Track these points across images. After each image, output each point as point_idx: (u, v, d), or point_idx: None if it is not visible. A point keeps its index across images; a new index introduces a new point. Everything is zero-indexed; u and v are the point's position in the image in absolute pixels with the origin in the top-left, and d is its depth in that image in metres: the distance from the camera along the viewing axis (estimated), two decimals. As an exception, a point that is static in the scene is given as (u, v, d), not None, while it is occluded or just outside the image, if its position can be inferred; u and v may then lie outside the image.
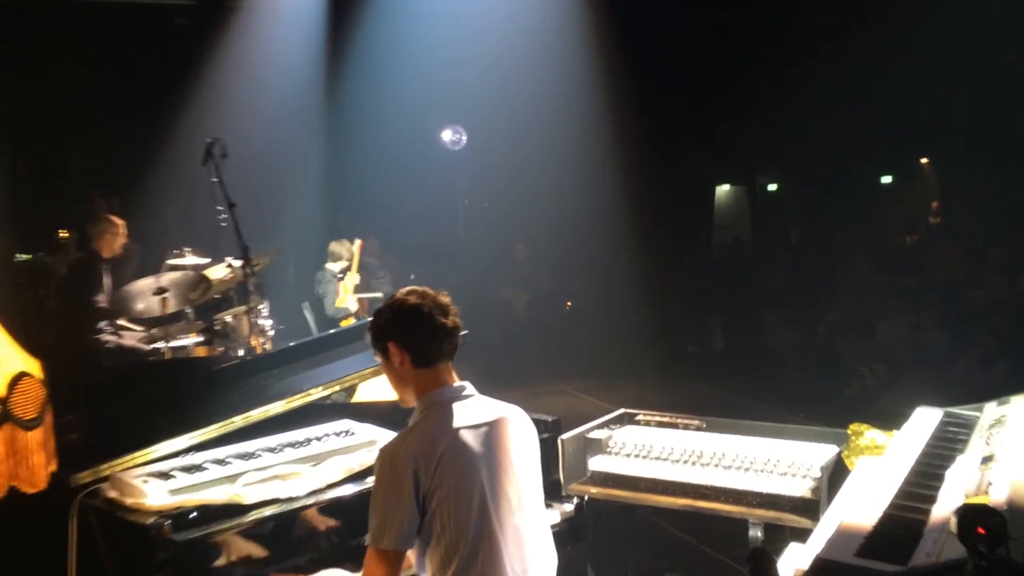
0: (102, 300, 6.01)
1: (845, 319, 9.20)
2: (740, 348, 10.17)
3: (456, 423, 2.46)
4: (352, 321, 7.60)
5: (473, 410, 2.52)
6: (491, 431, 2.50)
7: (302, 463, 3.04)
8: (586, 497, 3.44)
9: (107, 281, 6.15)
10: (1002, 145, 9.81)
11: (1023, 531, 1.75)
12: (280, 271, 9.11)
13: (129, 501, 2.74)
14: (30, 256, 7.54)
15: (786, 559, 2.25)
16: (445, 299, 2.56)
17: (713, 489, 3.24)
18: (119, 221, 6.23)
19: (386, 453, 2.42)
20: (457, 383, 2.55)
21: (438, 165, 11.68)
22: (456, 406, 2.50)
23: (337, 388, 3.47)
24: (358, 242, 8.25)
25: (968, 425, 2.94)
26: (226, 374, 3.57)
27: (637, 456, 3.44)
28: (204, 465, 2.97)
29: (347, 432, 3.32)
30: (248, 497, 2.80)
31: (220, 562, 2.71)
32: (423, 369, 2.51)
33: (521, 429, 2.60)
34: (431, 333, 2.50)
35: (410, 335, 2.51)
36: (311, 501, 2.90)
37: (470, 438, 2.45)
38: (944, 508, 2.17)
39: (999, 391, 3.19)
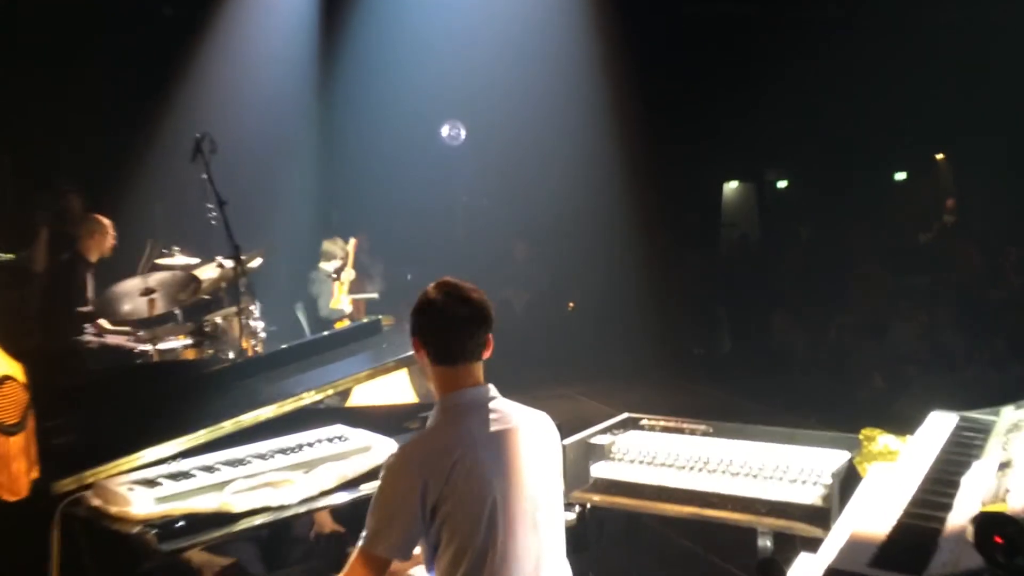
0: (87, 305, 5.92)
1: (857, 320, 9.11)
2: (748, 350, 10.11)
3: (473, 430, 2.38)
4: (346, 323, 7.52)
5: (493, 416, 2.43)
6: (510, 439, 2.41)
7: (294, 470, 2.99)
8: (588, 505, 3.38)
9: (91, 284, 6.05)
10: (1019, 142, 9.70)
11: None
12: (272, 271, 9.02)
13: (114, 509, 2.70)
14: (12, 255, 7.43)
15: (796, 569, 2.19)
16: (471, 293, 2.49)
17: (720, 497, 3.19)
18: (107, 222, 6.15)
19: (398, 457, 2.35)
20: (480, 386, 2.46)
21: (435, 161, 11.59)
22: (476, 411, 2.41)
23: (330, 392, 3.45)
24: (353, 241, 8.14)
25: (984, 430, 2.90)
26: (216, 377, 3.57)
27: (641, 462, 3.39)
28: (192, 472, 2.92)
29: (340, 438, 3.27)
30: (238, 505, 2.76)
31: (208, 573, 2.65)
32: (442, 367, 2.44)
33: (544, 437, 2.52)
34: (447, 328, 2.43)
35: (427, 330, 2.45)
36: (303, 509, 2.87)
37: (486, 447, 2.37)
38: (960, 516, 2.11)
39: (1016, 394, 3.14)
